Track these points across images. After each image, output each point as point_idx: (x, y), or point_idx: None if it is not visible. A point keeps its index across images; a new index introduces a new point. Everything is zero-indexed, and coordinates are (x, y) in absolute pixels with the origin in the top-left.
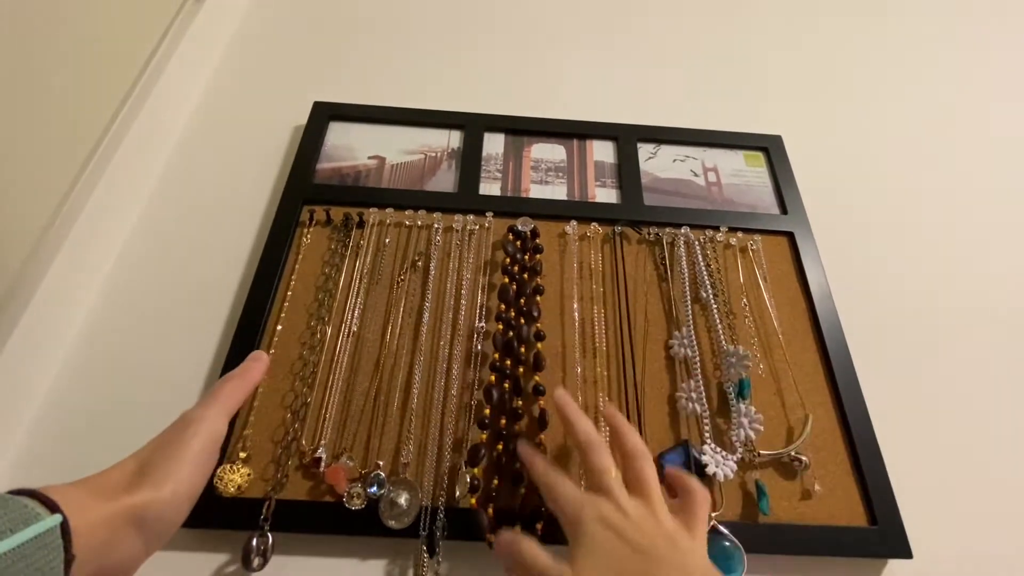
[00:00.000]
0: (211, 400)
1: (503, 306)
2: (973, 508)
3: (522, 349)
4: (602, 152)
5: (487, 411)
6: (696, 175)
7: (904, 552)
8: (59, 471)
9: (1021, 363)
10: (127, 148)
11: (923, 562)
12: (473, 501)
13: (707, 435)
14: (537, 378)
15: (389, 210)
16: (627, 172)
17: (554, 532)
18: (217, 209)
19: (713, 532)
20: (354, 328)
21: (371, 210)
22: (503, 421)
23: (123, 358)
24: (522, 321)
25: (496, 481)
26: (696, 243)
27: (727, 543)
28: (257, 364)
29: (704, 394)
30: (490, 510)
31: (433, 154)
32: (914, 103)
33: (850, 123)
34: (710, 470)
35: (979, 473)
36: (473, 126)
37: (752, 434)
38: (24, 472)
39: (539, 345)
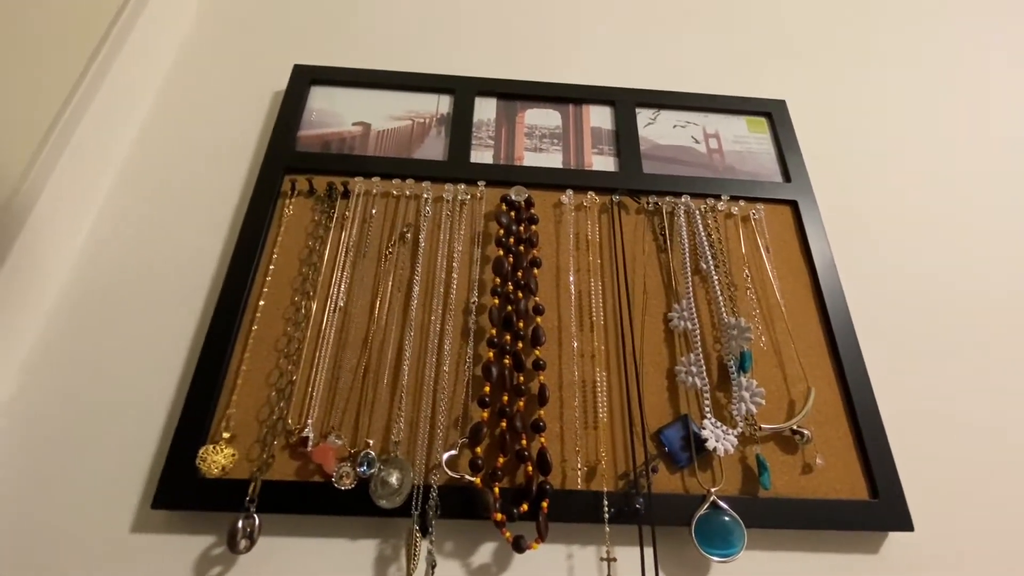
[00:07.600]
0: None
1: (498, 279)
2: (977, 481)
3: (520, 324)
4: (599, 118)
5: (487, 388)
6: (697, 142)
7: (905, 525)
8: (32, 459)
9: None
10: (92, 118)
11: (924, 535)
12: (478, 480)
13: (707, 409)
14: (537, 352)
15: (375, 179)
16: (625, 139)
17: (559, 510)
18: (193, 181)
19: (713, 507)
20: (340, 303)
21: (356, 179)
22: (505, 398)
23: (97, 342)
24: (520, 295)
25: (501, 459)
26: (696, 212)
27: (727, 518)
28: None
29: (704, 367)
30: (496, 489)
31: (421, 120)
32: (924, 69)
33: (857, 88)
34: (710, 445)
35: (983, 447)
36: (463, 90)
37: (753, 408)
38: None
39: (538, 319)
